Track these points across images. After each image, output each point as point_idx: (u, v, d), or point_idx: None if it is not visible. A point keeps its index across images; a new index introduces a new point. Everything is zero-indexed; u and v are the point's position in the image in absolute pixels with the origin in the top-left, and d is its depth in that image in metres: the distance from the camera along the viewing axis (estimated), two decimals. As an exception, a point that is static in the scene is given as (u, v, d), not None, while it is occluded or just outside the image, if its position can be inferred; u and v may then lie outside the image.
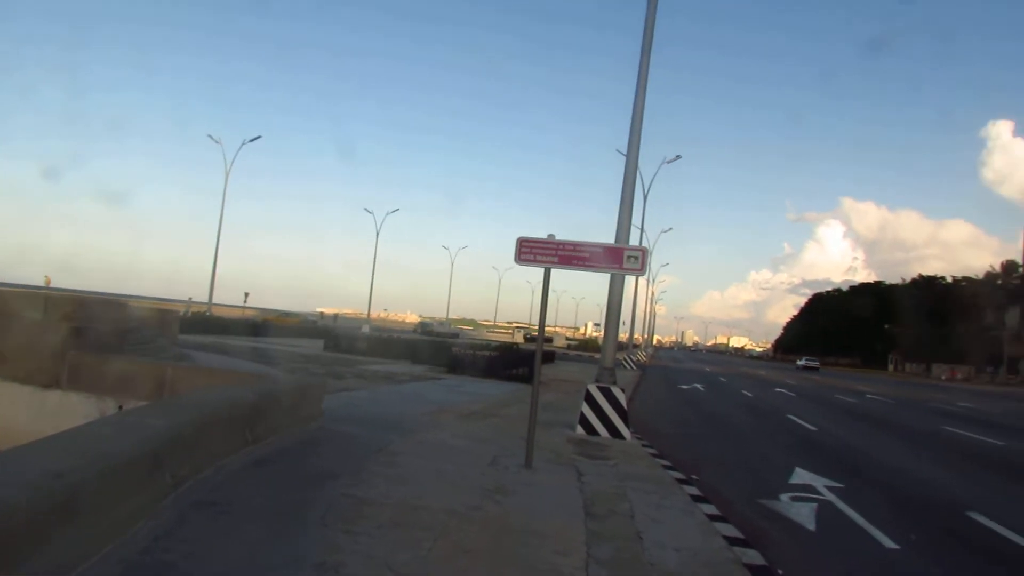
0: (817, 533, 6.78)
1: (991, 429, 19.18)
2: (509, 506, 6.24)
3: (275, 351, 23.87)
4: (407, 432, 9.57)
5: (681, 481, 8.46)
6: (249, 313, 54.61)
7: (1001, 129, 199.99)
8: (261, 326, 40.25)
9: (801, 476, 9.62)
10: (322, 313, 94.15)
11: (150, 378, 8.94)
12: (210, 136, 43.24)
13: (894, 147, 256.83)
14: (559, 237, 8.48)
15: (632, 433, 11.35)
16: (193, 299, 49.02)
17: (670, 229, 70.07)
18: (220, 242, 43.21)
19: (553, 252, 8.39)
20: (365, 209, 69.30)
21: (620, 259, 8.40)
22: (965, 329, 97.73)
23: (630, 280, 33.20)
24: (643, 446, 10.94)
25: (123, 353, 9.87)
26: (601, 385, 11.45)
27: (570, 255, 8.41)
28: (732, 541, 5.97)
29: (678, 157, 42.80)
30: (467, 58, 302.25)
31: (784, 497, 8.26)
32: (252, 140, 43.84)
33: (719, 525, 6.46)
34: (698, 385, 30.60)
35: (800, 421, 17.32)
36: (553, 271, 8.46)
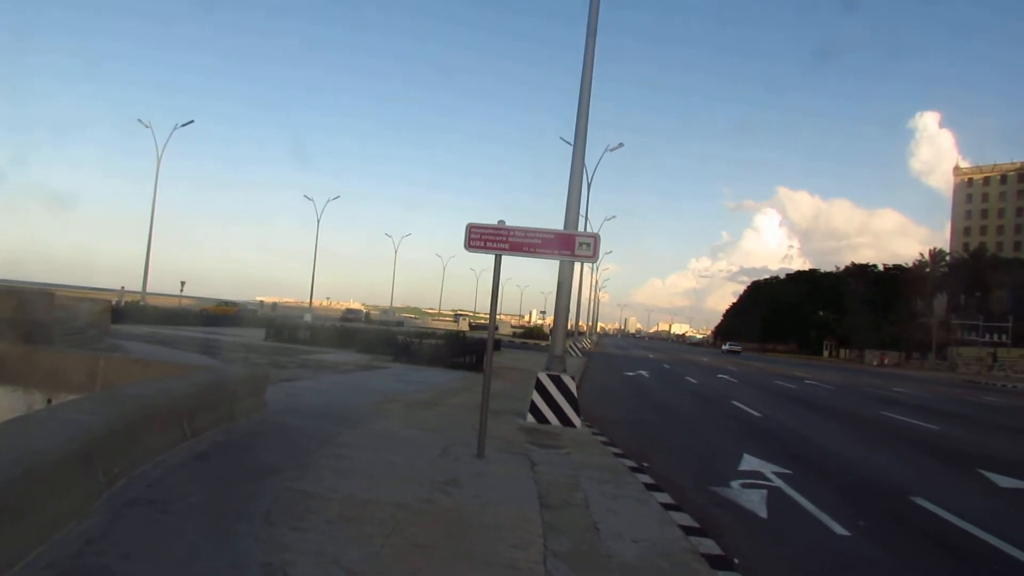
0: (769, 520, 6.83)
1: (925, 414, 19.87)
2: (462, 498, 6.10)
3: (214, 341, 23.19)
4: (354, 423, 9.34)
5: (634, 469, 8.46)
6: (186, 302, 53.06)
7: (928, 120, 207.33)
8: (199, 315, 39.17)
9: (750, 463, 9.73)
10: (262, 302, 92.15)
11: (81, 370, 8.52)
12: (140, 120, 41.66)
13: (827, 137, 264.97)
14: (509, 224, 8.35)
15: (582, 421, 11.33)
16: (127, 288, 47.31)
17: (613, 217, 71.32)
18: (153, 230, 41.86)
19: (504, 239, 8.26)
20: (305, 196, 68.05)
21: (572, 246, 8.31)
22: (896, 316, 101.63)
23: (575, 267, 33.43)
24: (594, 434, 10.93)
25: (52, 344, 9.38)
26: (551, 373, 11.39)
27: (521, 242, 8.29)
28: (688, 530, 5.96)
29: (621, 145, 42.92)
30: (412, 46, 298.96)
31: (735, 484, 8.33)
32: (184, 125, 42.49)
33: (674, 514, 6.44)
34: (643, 372, 30.94)
35: (745, 407, 17.62)
36: (504, 258, 8.33)
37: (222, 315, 42.00)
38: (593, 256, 8.30)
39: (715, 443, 11.86)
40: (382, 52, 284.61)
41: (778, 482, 8.58)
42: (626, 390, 21.11)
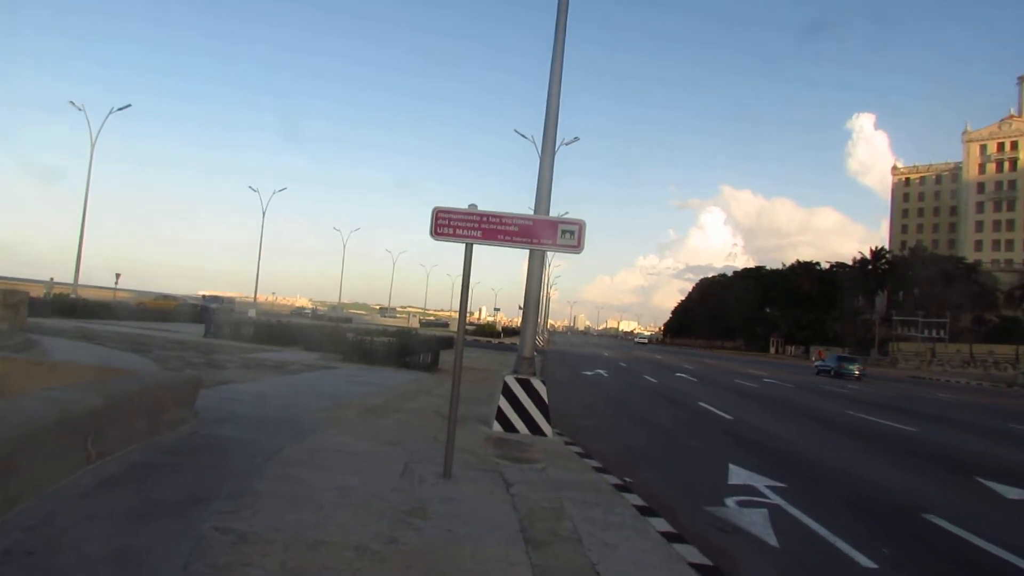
0: (783, 550, 5.92)
1: (894, 414, 19.45)
2: (432, 535, 5.02)
3: (147, 337, 21.52)
4: (302, 434, 8.16)
5: (619, 488, 7.47)
6: (122, 296, 50.46)
7: (864, 122, 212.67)
8: (135, 310, 37.03)
9: (738, 475, 8.87)
10: (204, 296, 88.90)
11: (-33, 375, 7.15)
12: (72, 103, 39.02)
13: (769, 138, 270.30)
14: (481, 209, 7.29)
15: (552, 428, 10.35)
16: (56, 280, 44.64)
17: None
18: (86, 218, 39.36)
19: (475, 225, 7.20)
20: (250, 187, 65.53)
21: (554, 233, 7.27)
22: (839, 313, 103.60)
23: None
24: (566, 444, 9.94)
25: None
26: (520, 377, 10.36)
27: (495, 228, 7.23)
28: (701, 569, 5.00)
29: (576, 139, 42.02)
30: (367, 25, 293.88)
31: (730, 502, 7.43)
32: (121, 109, 40.00)
33: (679, 547, 5.47)
34: (601, 371, 30.18)
35: (713, 409, 16.89)
36: (451, 252, 7.28)
37: (160, 309, 39.82)
38: (578, 246, 7.28)
39: (695, 451, 10.98)
40: (342, 42, 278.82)
41: (775, 498, 7.72)
42: (589, 391, 20.22)
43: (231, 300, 74.63)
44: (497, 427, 10.17)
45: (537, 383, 10.37)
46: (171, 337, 22.87)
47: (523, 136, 38.93)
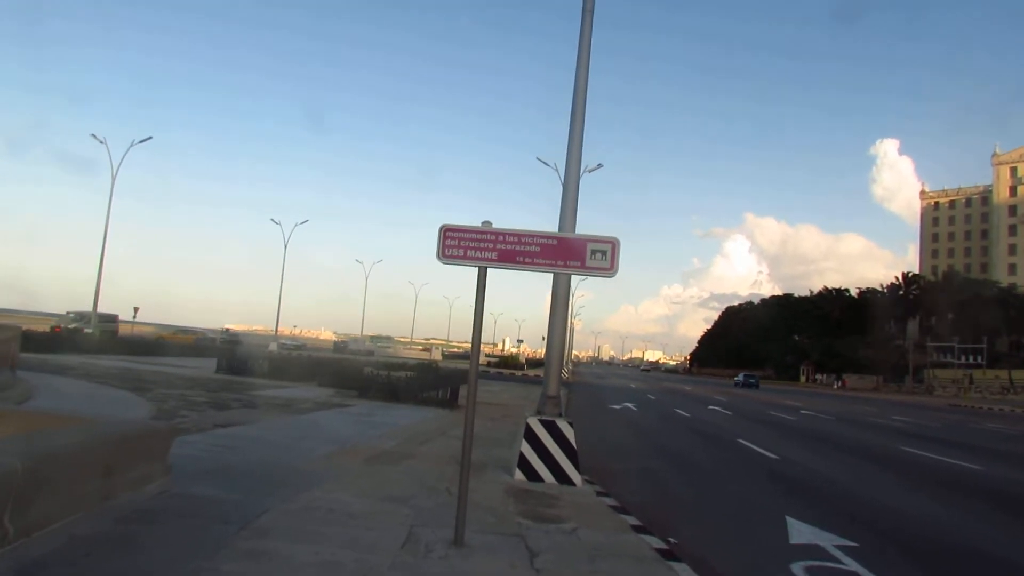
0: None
1: (949, 448, 17.93)
2: (434, 639, 3.87)
3: (154, 374, 20.63)
4: (292, 490, 7.06)
5: (664, 554, 6.26)
6: (141, 330, 50.02)
7: (888, 147, 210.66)
8: (152, 344, 36.38)
9: (800, 531, 7.60)
10: (227, 329, 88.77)
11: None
12: (94, 136, 38.84)
13: (793, 165, 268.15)
14: (496, 227, 6.25)
15: (581, 476, 9.16)
16: (74, 313, 44.20)
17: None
18: (106, 251, 38.84)
19: (490, 245, 6.14)
20: (272, 220, 65.32)
21: (583, 253, 6.17)
22: (871, 340, 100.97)
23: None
24: (598, 494, 8.74)
25: None
26: (544, 418, 9.19)
27: (514, 250, 6.16)
28: None
29: (600, 166, 40.94)
30: (382, 58, 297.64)
31: (798, 570, 6.19)
32: (142, 141, 39.73)
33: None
34: (629, 404, 28.80)
35: (754, 447, 15.55)
36: (492, 273, 6.21)
37: (177, 344, 39.15)
38: (611, 268, 6.17)
39: (743, 500, 9.68)
40: (357, 68, 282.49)
41: (851, 563, 6.47)
42: (618, 428, 18.92)
43: (234, 334, 74.18)
44: (520, 475, 9.00)
45: (564, 425, 9.21)
46: (181, 373, 21.97)
47: (545, 164, 38.08)
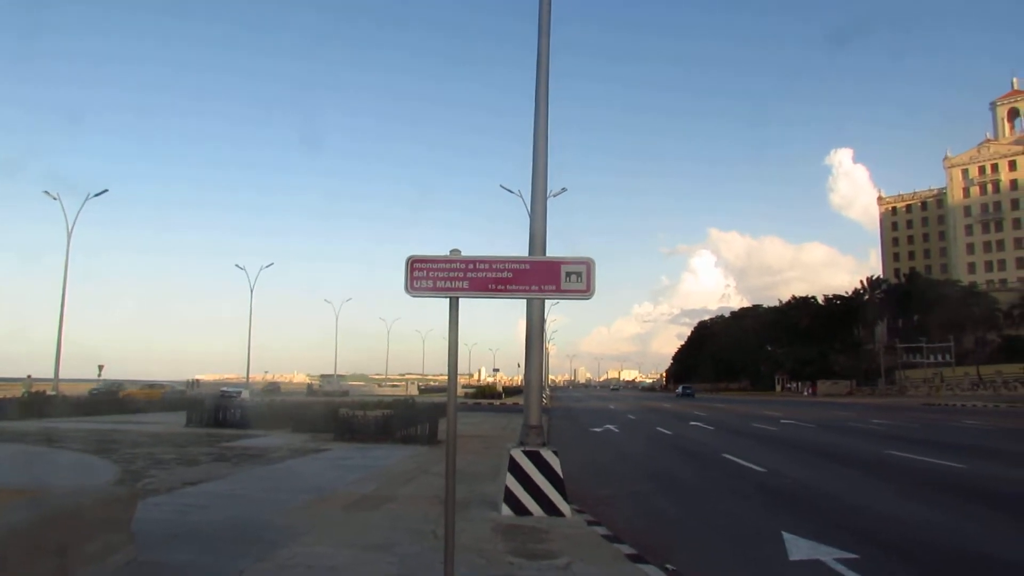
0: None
1: (932, 449, 17.88)
2: None
3: (120, 433, 19.88)
4: (268, 546, 6.67)
5: (664, 584, 5.98)
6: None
7: (842, 156, 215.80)
8: (118, 402, 35.30)
9: (798, 547, 7.38)
10: (197, 381, 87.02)
11: None
12: (47, 192, 37.93)
13: (751, 178, 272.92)
14: (466, 255, 6.01)
15: (570, 506, 8.86)
16: (34, 376, 42.90)
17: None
18: (65, 310, 37.78)
19: (460, 274, 5.89)
20: (237, 265, 64.37)
21: (557, 277, 5.94)
22: (841, 345, 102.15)
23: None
24: (588, 523, 8.44)
25: None
26: (528, 449, 8.90)
27: (486, 278, 5.92)
28: None
29: (564, 190, 40.92)
30: (345, 98, 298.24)
31: (803, 590, 5.95)
32: (98, 195, 38.92)
33: None
34: (611, 426, 28.50)
35: (741, 461, 15.35)
36: (464, 302, 5.96)
37: (145, 400, 38.07)
38: (587, 290, 5.94)
39: (737, 518, 9.42)
40: (313, 104, 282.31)
41: (855, 578, 6.24)
42: (603, 452, 18.61)
43: (196, 382, 72.78)
44: (507, 510, 8.67)
45: (548, 455, 8.91)
46: (148, 430, 21.23)
47: (509, 191, 37.96)
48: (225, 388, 57.46)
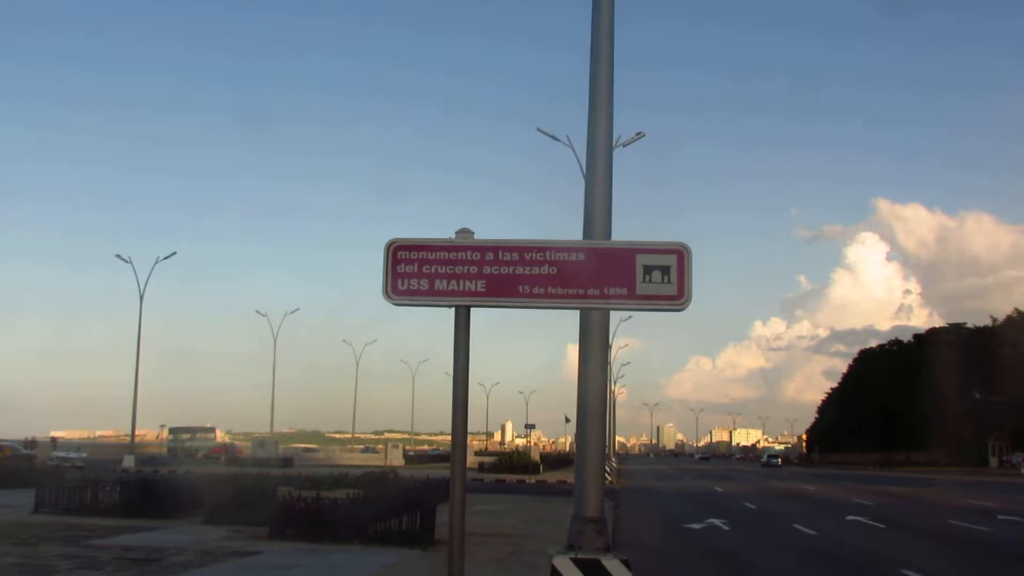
0: None
1: None
2: None
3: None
4: None
5: None
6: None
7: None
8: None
9: None
10: (54, 440, 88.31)
11: None
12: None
13: (945, 121, 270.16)
14: (480, 237, 6.03)
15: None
16: None
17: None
18: None
19: (473, 269, 5.96)
20: (121, 258, 65.83)
21: (630, 274, 5.90)
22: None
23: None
24: None
25: None
26: (584, 557, 8.83)
27: (512, 274, 5.94)
28: None
29: (640, 135, 41.24)
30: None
31: None
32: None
33: None
34: (717, 521, 28.39)
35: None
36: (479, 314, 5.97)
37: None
38: (678, 296, 5.91)
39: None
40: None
41: None
42: (702, 563, 18.51)
43: (52, 442, 73.97)
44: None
45: (615, 566, 8.85)
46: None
47: (553, 138, 38.08)
48: (61, 452, 58.78)
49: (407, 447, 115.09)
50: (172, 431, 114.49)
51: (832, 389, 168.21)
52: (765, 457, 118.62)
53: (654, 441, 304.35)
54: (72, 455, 56.54)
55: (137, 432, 67.70)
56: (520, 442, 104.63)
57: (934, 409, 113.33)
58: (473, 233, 6.07)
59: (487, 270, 5.92)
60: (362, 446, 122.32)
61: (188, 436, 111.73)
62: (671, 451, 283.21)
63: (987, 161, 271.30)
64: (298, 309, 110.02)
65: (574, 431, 10.15)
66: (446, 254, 5.95)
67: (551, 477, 58.22)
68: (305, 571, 14.47)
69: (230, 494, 23.76)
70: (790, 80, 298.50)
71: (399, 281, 5.94)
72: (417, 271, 5.95)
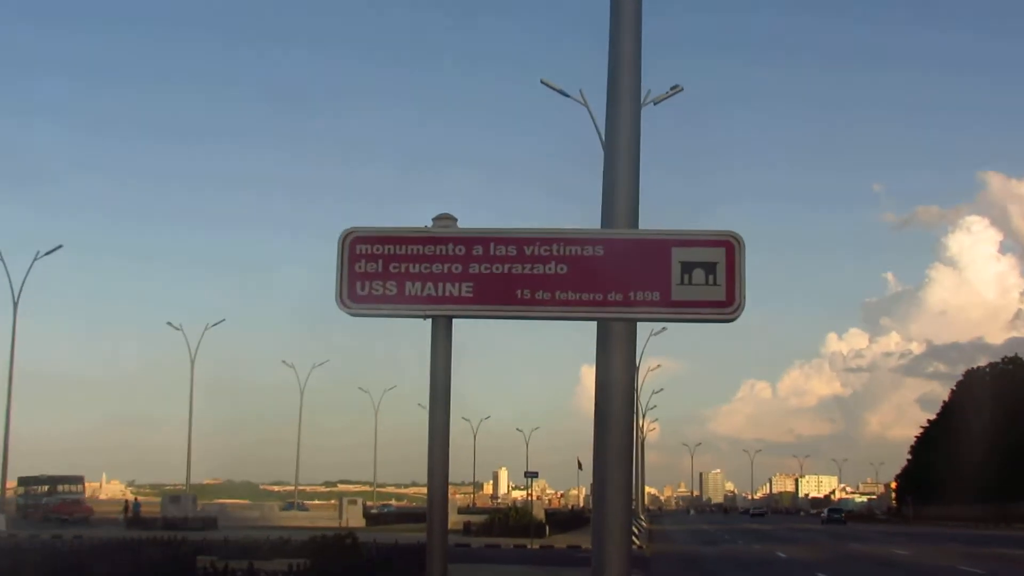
0: None
1: None
2: None
3: None
4: None
5: None
6: None
7: None
8: None
9: None
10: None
11: None
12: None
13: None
14: (466, 226, 6.13)
15: None
16: None
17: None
18: None
19: (457, 266, 6.02)
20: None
21: (664, 272, 5.99)
22: None
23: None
24: None
25: None
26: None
27: (510, 274, 6.02)
28: None
29: (677, 89, 42.56)
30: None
31: None
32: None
33: None
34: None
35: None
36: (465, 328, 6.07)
37: None
38: (728, 302, 5.98)
39: None
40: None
41: None
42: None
43: None
44: None
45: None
46: None
47: (563, 93, 39.04)
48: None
49: (368, 503, 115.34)
50: (22, 482, 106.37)
51: (929, 422, 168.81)
52: (826, 512, 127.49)
53: (696, 493, 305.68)
54: None
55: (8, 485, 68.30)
56: (518, 495, 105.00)
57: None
58: (456, 221, 6.15)
59: (474, 269, 6.00)
60: (290, 501, 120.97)
61: (44, 490, 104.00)
62: (718, 505, 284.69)
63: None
64: (223, 320, 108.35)
65: (590, 481, 10.26)
66: (420, 248, 6.03)
67: (560, 541, 58.50)
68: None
69: (128, 568, 23.82)
70: (870, 24, 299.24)
71: (358, 284, 5.99)
72: (382, 270, 6.01)
